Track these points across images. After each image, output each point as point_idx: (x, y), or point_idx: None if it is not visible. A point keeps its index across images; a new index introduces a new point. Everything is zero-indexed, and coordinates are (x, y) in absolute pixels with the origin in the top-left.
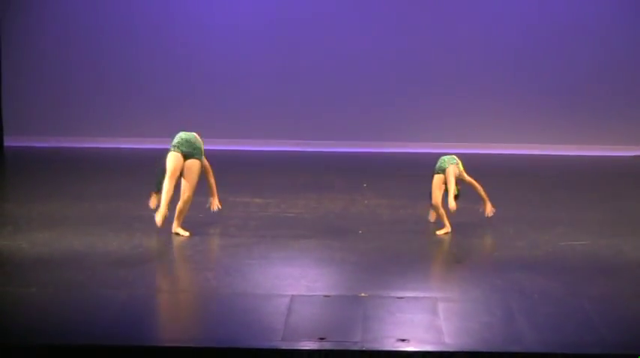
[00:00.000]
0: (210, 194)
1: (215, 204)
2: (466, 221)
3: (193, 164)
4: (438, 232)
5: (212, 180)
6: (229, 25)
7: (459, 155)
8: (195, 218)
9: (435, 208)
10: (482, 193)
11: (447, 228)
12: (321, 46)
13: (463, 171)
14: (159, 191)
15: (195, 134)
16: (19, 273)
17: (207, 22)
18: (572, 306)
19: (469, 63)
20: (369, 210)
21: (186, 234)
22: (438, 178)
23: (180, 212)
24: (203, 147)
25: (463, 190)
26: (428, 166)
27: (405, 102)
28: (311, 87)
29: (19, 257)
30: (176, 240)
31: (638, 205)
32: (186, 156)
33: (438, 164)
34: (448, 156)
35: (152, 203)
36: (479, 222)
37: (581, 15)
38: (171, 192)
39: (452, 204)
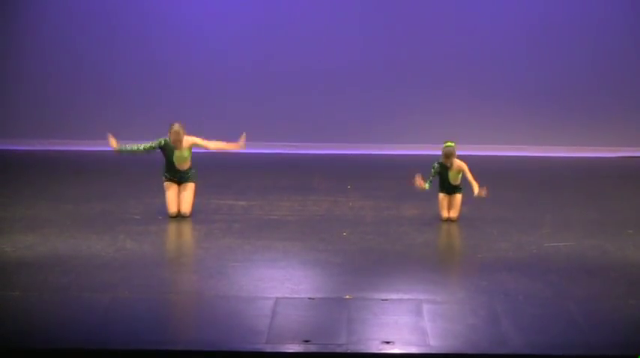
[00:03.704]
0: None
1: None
2: (451, 222)
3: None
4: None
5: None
6: (213, 28)
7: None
8: (179, 221)
9: None
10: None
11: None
12: (305, 48)
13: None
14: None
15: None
16: (2, 277)
17: (191, 24)
18: (557, 308)
19: (455, 65)
20: (354, 212)
21: None
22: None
23: None
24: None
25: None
26: (412, 167)
27: (390, 103)
28: (295, 89)
29: (2, 260)
30: (159, 243)
31: (623, 206)
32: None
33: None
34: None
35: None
36: (464, 224)
37: (569, 17)
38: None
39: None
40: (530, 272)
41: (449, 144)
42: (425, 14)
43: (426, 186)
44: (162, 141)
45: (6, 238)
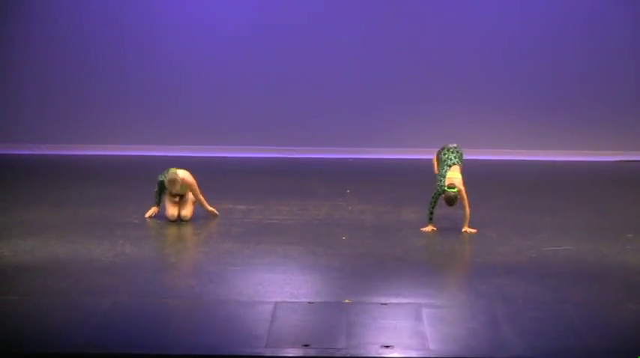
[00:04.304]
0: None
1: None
2: (450, 226)
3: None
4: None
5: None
6: (215, 33)
7: None
8: (179, 225)
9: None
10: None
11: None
12: (304, 53)
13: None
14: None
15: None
16: (2, 281)
17: (193, 30)
18: (556, 312)
19: (453, 68)
20: (353, 216)
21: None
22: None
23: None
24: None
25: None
26: (411, 172)
27: (389, 108)
28: (295, 93)
29: (1, 264)
30: (159, 247)
31: (621, 210)
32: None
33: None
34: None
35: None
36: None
37: (563, 21)
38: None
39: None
40: (530, 276)
41: (452, 189)
42: (422, 21)
43: (432, 224)
44: (161, 182)
45: (5, 242)
